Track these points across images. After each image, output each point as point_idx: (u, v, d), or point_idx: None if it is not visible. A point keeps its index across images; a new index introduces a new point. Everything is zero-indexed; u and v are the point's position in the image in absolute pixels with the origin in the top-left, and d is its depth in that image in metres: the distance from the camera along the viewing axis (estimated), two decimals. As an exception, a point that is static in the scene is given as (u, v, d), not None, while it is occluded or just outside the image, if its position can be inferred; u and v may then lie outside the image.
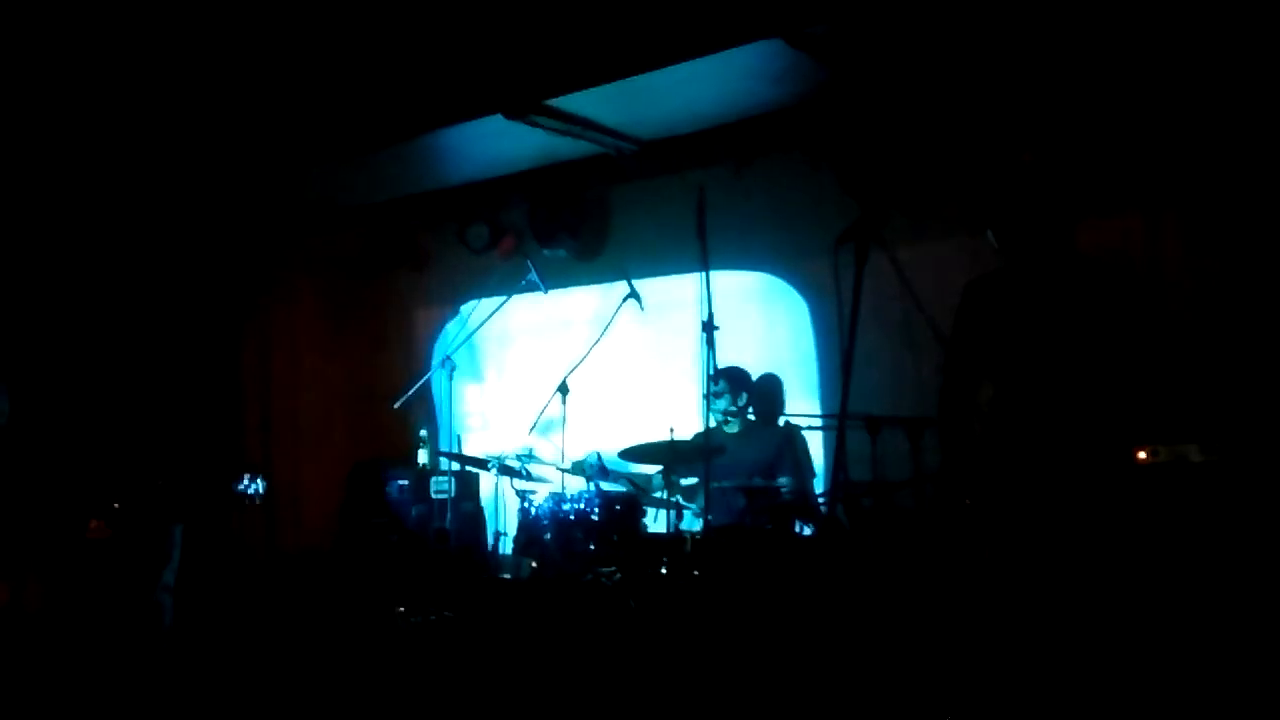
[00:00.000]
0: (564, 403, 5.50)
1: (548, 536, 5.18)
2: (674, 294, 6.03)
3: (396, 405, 6.30)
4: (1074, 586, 3.07)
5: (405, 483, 6.83)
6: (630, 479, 5.62)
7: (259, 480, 5.48)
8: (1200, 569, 3.39)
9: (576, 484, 5.54)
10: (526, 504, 5.36)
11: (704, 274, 4.60)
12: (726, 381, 5.48)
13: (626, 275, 5.64)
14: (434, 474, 6.67)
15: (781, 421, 5.67)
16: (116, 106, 6.08)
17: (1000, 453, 3.24)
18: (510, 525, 5.70)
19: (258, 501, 5.44)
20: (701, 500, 5.26)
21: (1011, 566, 3.14)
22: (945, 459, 3.46)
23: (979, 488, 3.20)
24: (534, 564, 5.23)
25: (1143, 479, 3.24)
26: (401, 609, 5.47)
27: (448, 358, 6.09)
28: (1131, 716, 3.07)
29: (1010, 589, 3.15)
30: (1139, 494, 3.16)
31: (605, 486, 5.39)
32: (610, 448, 5.54)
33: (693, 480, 5.54)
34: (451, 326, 7.46)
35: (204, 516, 5.83)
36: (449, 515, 6.07)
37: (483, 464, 5.89)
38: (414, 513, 6.69)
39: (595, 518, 5.10)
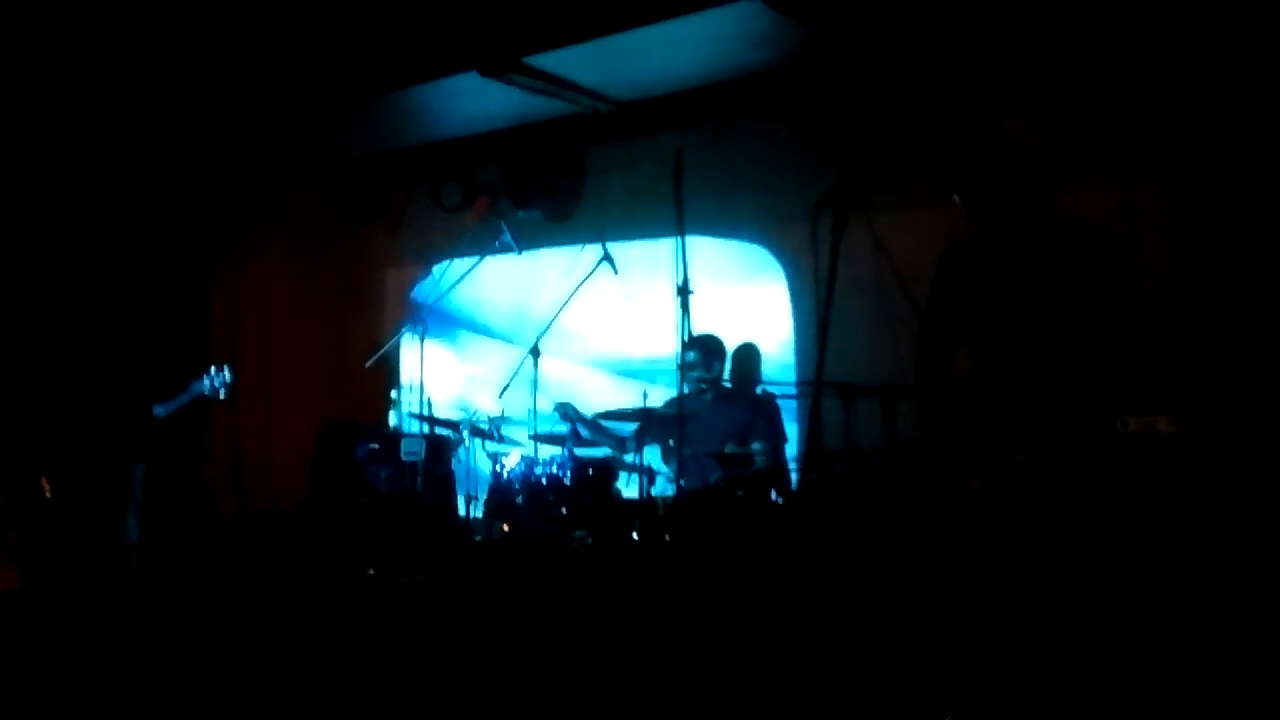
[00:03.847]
0: (535, 366, 5.46)
1: (519, 500, 5.17)
2: (650, 257, 6.00)
3: (368, 365, 6.25)
4: (1054, 558, 3.07)
5: (376, 445, 6.78)
6: (604, 429, 5.59)
7: (225, 371, 5.47)
8: (1171, 541, 3.41)
9: (548, 448, 5.52)
10: (498, 467, 5.33)
11: (679, 238, 4.55)
12: (699, 352, 5.43)
13: (601, 239, 5.59)
14: (405, 436, 6.64)
15: (759, 390, 5.67)
16: (87, 60, 5.95)
17: (980, 421, 3.23)
18: (481, 489, 5.68)
19: (224, 395, 5.44)
20: (674, 465, 5.26)
21: (1003, 541, 3.14)
22: (925, 427, 3.44)
23: (981, 466, 3.18)
24: (505, 527, 5.22)
25: (1113, 449, 3.25)
26: (371, 571, 5.45)
27: (420, 318, 6.03)
28: (1113, 694, 3.09)
29: (999, 563, 3.15)
30: (1112, 465, 3.17)
31: (580, 440, 5.38)
32: (584, 411, 5.52)
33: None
34: (424, 286, 7.40)
35: (165, 456, 5.83)
36: (419, 478, 6.04)
37: (454, 426, 5.85)
38: (384, 475, 6.65)
39: (567, 482, 5.08)
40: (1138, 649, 3.22)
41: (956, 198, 3.25)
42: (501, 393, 5.62)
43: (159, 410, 5.44)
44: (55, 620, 5.06)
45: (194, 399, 5.52)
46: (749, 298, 6.10)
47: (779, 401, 5.54)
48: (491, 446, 5.69)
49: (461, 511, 6.13)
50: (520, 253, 6.11)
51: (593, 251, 5.54)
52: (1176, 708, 3.17)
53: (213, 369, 5.51)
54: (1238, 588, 3.35)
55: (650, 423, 5.16)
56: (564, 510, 5.04)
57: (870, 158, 5.25)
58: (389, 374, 7.11)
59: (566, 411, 5.49)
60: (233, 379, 5.51)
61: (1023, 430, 3.12)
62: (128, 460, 5.41)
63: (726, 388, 5.60)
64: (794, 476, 5.35)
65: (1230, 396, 4.12)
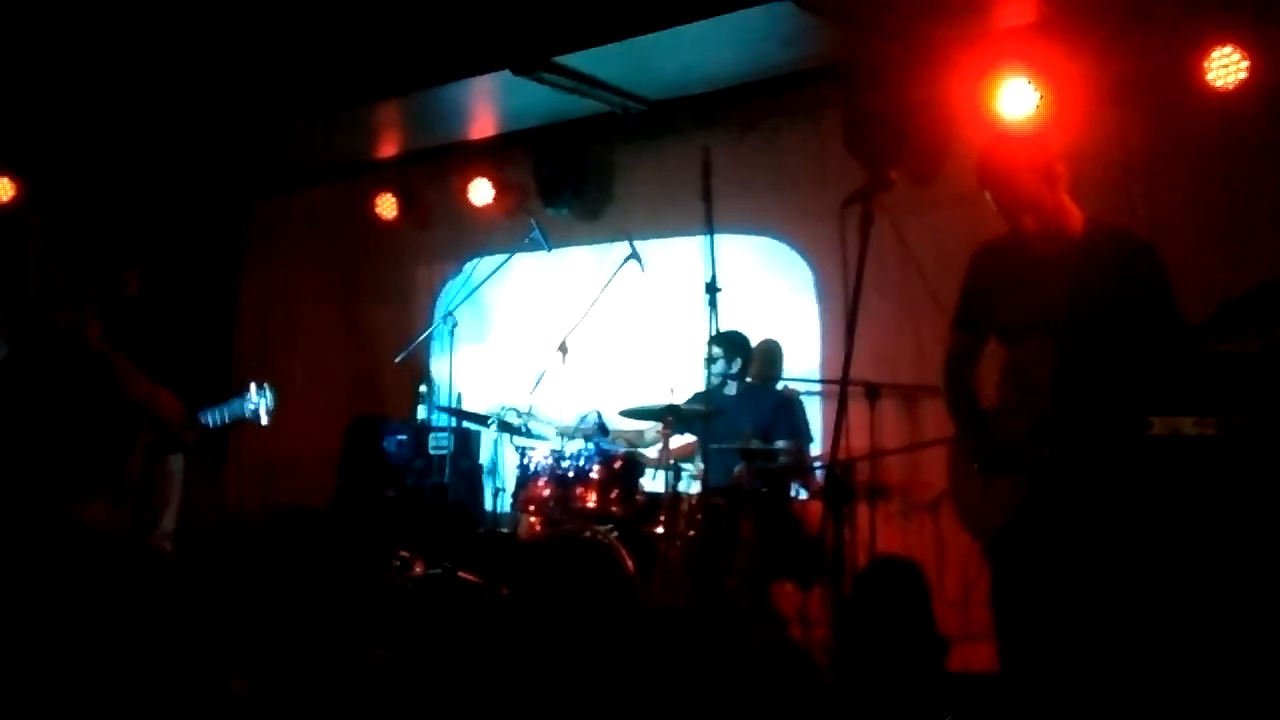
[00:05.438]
0: (563, 362, 5.50)
1: (546, 493, 5.22)
2: (678, 255, 6.04)
3: (398, 360, 6.31)
4: (1083, 558, 3.08)
5: (404, 438, 6.85)
6: (628, 439, 5.66)
7: (267, 391, 5.00)
8: (1197, 544, 3.41)
9: (575, 441, 5.56)
10: (525, 460, 5.39)
11: (708, 236, 4.59)
12: (724, 346, 5.46)
13: (628, 236, 5.64)
14: (433, 430, 6.70)
15: (780, 386, 5.70)
16: (123, 51, 6.06)
17: (1011, 419, 3.24)
18: (509, 482, 5.73)
19: (265, 422, 5.00)
20: (699, 461, 5.30)
21: (1035, 539, 3.16)
22: (957, 423, 3.45)
23: (1011, 465, 3.20)
24: (532, 520, 5.28)
25: (1142, 450, 3.26)
26: (397, 564, 5.51)
27: (449, 314, 6.09)
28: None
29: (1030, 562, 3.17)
30: (1140, 466, 3.18)
31: (604, 445, 5.42)
32: (611, 408, 5.56)
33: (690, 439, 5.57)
34: (454, 283, 7.46)
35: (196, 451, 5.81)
36: (447, 471, 6.10)
37: (482, 420, 5.91)
38: (412, 468, 6.72)
39: (594, 475, 5.13)
40: (1161, 653, 3.24)
41: (988, 195, 3.27)
42: (532, 389, 5.67)
43: (205, 418, 5.18)
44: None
45: (235, 419, 5.06)
46: (773, 295, 6.14)
47: (801, 398, 5.58)
48: (519, 441, 5.74)
49: (489, 505, 6.19)
50: (550, 250, 6.16)
51: (621, 249, 5.60)
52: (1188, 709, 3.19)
53: (254, 388, 5.07)
54: (1266, 589, 3.36)
55: (677, 419, 5.18)
56: (590, 504, 5.09)
57: (899, 156, 5.26)
58: (418, 370, 7.18)
59: (594, 423, 5.54)
60: (275, 403, 5.06)
61: (1054, 429, 3.14)
62: (162, 452, 5.44)
63: (749, 384, 5.63)
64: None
65: (1258, 399, 4.11)
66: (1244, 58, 4.56)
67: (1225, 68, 4.59)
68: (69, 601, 1.71)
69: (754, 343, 5.68)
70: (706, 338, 4.87)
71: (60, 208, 7.57)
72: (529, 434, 5.73)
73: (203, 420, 4.92)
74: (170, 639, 1.72)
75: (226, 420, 5.01)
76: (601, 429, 5.51)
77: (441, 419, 6.65)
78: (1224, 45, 4.58)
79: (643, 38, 5.19)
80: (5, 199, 7.16)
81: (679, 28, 5.07)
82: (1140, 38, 4.77)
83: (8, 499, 1.80)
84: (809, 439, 5.55)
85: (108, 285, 4.86)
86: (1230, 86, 4.59)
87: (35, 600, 1.71)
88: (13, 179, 7.14)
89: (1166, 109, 4.83)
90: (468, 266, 7.30)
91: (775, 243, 6.20)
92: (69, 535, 1.74)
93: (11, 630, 1.68)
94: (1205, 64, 4.61)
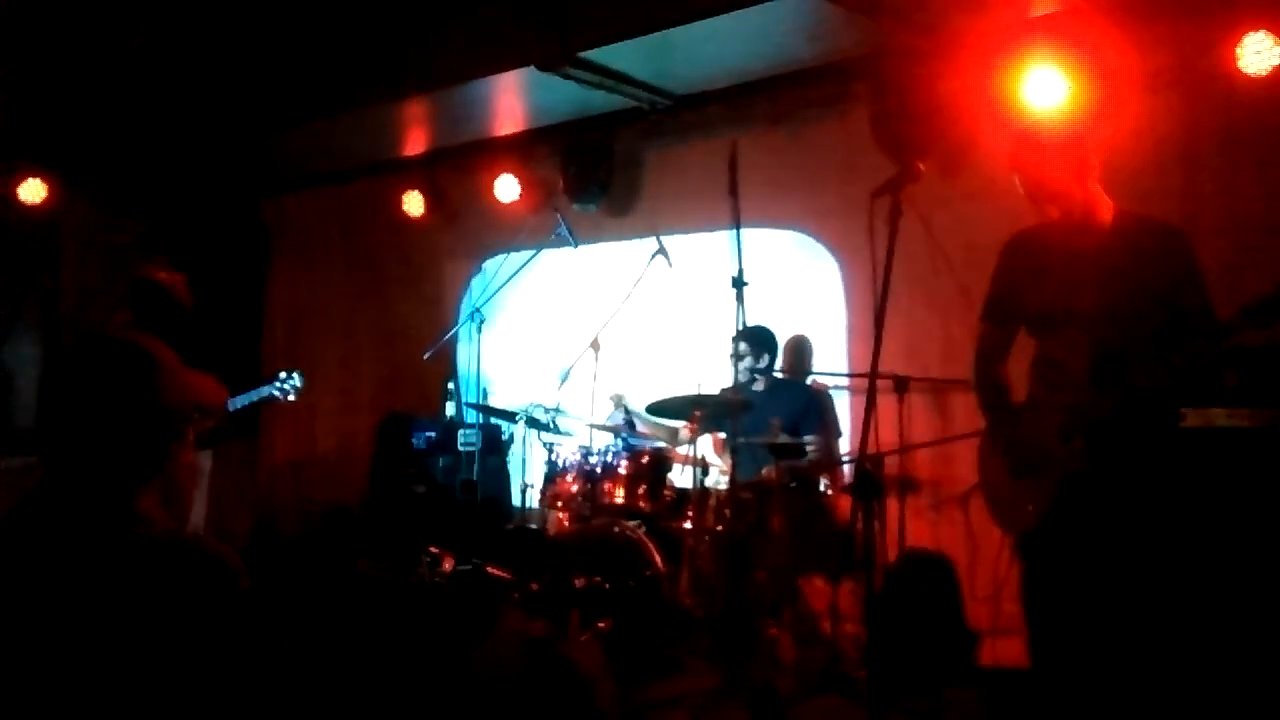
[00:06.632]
0: (596, 359, 5.50)
1: (574, 489, 5.23)
2: (705, 251, 6.02)
3: (426, 357, 6.34)
4: (1120, 552, 3.05)
5: (433, 435, 6.88)
6: (662, 439, 5.66)
7: (295, 376, 5.60)
8: (1228, 537, 3.37)
9: (603, 437, 5.57)
10: (553, 456, 5.39)
11: (735, 231, 4.58)
12: (749, 343, 5.44)
13: (656, 232, 5.62)
14: (461, 426, 6.72)
15: (809, 380, 5.68)
16: (153, 52, 6.11)
17: (1042, 411, 3.22)
18: (537, 478, 5.74)
19: (292, 397, 5.59)
20: (728, 456, 5.29)
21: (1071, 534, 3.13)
22: (988, 417, 3.43)
23: (1045, 457, 3.17)
24: (560, 516, 5.29)
25: (1177, 443, 3.23)
26: (427, 559, 5.52)
27: (477, 310, 6.11)
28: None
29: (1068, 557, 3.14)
30: (1173, 458, 3.15)
31: (632, 440, 5.43)
32: (639, 404, 5.57)
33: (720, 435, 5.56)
34: (480, 279, 7.47)
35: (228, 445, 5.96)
36: (476, 467, 6.12)
37: (510, 416, 5.92)
38: (441, 464, 6.75)
39: (621, 471, 5.13)
40: (1189, 648, 3.20)
41: (1017, 180, 3.24)
42: (560, 384, 5.68)
43: (231, 403, 5.45)
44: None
45: (263, 400, 5.62)
46: (800, 290, 6.11)
47: (830, 392, 5.56)
48: (547, 437, 5.75)
49: (517, 501, 6.20)
50: (577, 246, 6.16)
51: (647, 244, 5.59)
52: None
53: (283, 374, 5.64)
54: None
55: (707, 411, 5.17)
56: (618, 499, 5.10)
57: (927, 148, 5.22)
58: (446, 366, 7.21)
59: (620, 404, 5.54)
60: (303, 384, 5.66)
61: (1085, 422, 3.11)
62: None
63: (778, 378, 5.62)
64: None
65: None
66: (1278, 44, 4.49)
67: (1259, 54, 4.51)
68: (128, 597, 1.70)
69: (782, 338, 5.67)
70: (733, 334, 4.85)
71: (92, 208, 7.67)
72: (557, 430, 5.74)
73: (230, 408, 5.25)
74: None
75: (255, 401, 5.57)
76: (629, 424, 5.51)
77: (470, 415, 6.68)
78: (1256, 31, 4.52)
79: (669, 32, 5.18)
80: (38, 201, 7.24)
81: (705, 21, 5.05)
82: (1172, 25, 4.71)
83: (71, 492, 1.80)
84: (838, 434, 5.53)
85: (140, 283, 5.00)
86: (1264, 73, 4.52)
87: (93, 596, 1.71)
88: (45, 180, 7.21)
89: (1199, 97, 4.76)
90: (494, 263, 7.31)
91: (802, 236, 6.17)
92: (131, 529, 1.73)
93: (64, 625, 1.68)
94: (1238, 51, 4.54)
